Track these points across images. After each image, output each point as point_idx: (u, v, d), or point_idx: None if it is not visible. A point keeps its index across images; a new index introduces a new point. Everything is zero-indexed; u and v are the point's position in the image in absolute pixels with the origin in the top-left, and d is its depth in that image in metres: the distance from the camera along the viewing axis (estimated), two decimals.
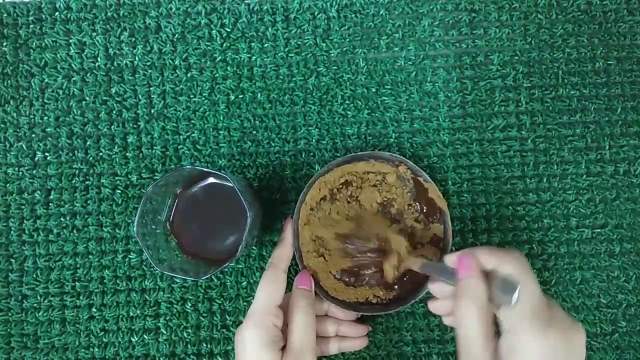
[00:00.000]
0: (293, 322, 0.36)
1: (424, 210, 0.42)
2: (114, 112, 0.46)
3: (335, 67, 0.46)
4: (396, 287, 0.42)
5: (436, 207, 0.42)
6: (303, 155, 0.45)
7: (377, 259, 0.41)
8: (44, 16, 0.46)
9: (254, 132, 0.46)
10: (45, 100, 0.46)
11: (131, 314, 0.44)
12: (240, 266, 0.45)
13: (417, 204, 0.43)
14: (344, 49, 0.46)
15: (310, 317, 0.36)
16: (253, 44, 0.46)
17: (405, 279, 0.42)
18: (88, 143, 0.46)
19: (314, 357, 0.35)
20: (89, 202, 0.45)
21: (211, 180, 0.40)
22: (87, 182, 0.45)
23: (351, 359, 0.44)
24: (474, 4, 0.46)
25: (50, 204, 0.45)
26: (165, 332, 0.44)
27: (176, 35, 0.46)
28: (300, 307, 0.36)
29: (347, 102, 0.46)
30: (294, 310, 0.36)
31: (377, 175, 0.43)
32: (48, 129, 0.46)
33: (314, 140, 0.45)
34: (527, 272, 0.31)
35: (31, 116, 0.46)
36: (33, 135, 0.46)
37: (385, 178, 0.43)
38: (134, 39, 0.46)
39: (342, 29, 0.46)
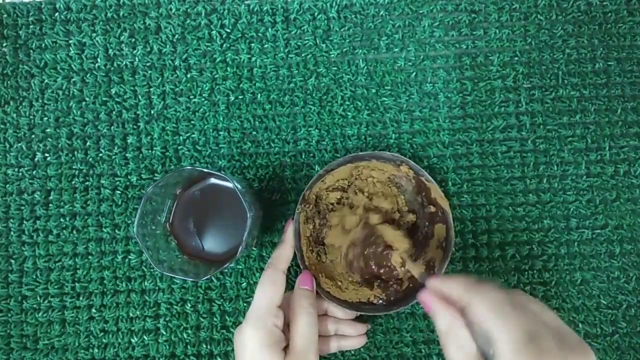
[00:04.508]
0: (296, 323, 0.36)
1: (427, 210, 0.42)
2: (114, 112, 0.46)
3: (335, 68, 0.46)
4: (396, 286, 0.42)
5: (438, 207, 0.42)
6: (303, 156, 0.45)
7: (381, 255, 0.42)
8: (43, 17, 0.46)
9: (254, 132, 0.46)
10: (45, 101, 0.46)
11: (131, 314, 0.44)
12: (240, 267, 0.45)
13: (421, 200, 0.43)
14: (344, 49, 0.46)
15: (313, 317, 0.36)
16: (253, 44, 0.46)
17: (406, 279, 0.42)
18: (88, 144, 0.46)
19: (317, 357, 0.35)
20: (88, 202, 0.45)
21: (211, 181, 0.40)
22: (87, 183, 0.45)
23: (351, 359, 0.44)
24: (474, 4, 0.46)
25: (50, 205, 0.45)
26: (165, 333, 0.44)
27: (176, 36, 0.46)
28: (303, 307, 0.36)
29: (347, 103, 0.46)
30: (296, 311, 0.36)
31: (382, 173, 0.43)
32: (48, 130, 0.46)
33: (314, 141, 0.45)
34: (502, 313, 0.28)
35: (31, 117, 0.46)
36: (33, 136, 0.46)
37: (390, 178, 0.43)
38: (133, 40, 0.46)
39: (342, 30, 0.46)
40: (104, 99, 0.46)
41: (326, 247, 0.43)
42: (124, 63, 0.46)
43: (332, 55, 0.46)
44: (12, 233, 0.45)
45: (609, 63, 0.46)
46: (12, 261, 0.45)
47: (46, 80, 0.46)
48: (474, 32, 0.46)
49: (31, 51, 0.46)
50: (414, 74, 0.46)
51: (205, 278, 0.36)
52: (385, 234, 0.41)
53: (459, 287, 0.31)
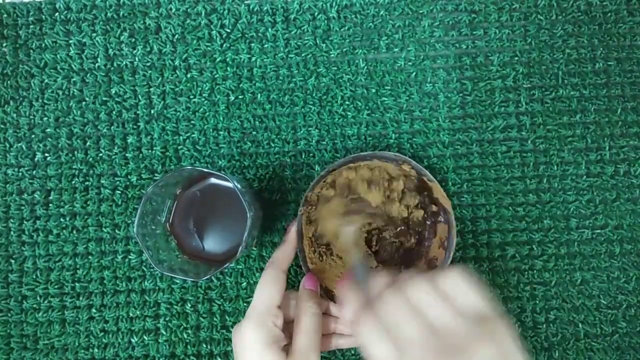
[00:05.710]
0: (300, 323, 0.36)
1: (429, 209, 0.42)
2: (114, 112, 0.46)
3: (335, 68, 0.46)
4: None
5: (440, 206, 0.42)
6: (303, 156, 0.45)
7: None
8: (43, 17, 0.46)
9: (254, 132, 0.46)
10: (45, 101, 0.46)
11: (131, 314, 0.44)
12: (240, 267, 0.45)
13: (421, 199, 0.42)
14: (344, 49, 0.46)
15: (319, 318, 0.36)
16: (253, 44, 0.46)
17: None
18: (88, 144, 0.46)
19: (319, 358, 0.35)
20: (88, 202, 0.45)
21: (211, 180, 0.40)
22: (87, 183, 0.45)
23: (352, 359, 0.44)
24: (474, 4, 0.46)
25: (50, 205, 0.45)
26: (165, 333, 0.44)
27: (176, 36, 0.46)
28: (309, 307, 0.36)
29: (347, 102, 0.46)
30: (301, 311, 0.36)
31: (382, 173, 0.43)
32: (48, 130, 0.46)
33: (314, 141, 0.45)
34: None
35: (31, 117, 0.46)
36: (33, 136, 0.46)
37: (391, 180, 0.43)
38: (133, 40, 0.46)
39: (342, 30, 0.46)
40: (104, 99, 0.46)
41: (330, 247, 0.43)
42: (124, 63, 0.46)
43: (332, 55, 0.46)
44: (12, 233, 0.45)
45: (609, 63, 0.46)
46: (12, 261, 0.45)
47: (46, 80, 0.46)
48: (474, 32, 0.46)
49: (31, 51, 0.46)
50: (414, 74, 0.46)
51: (205, 278, 0.36)
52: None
53: (354, 305, 0.31)
